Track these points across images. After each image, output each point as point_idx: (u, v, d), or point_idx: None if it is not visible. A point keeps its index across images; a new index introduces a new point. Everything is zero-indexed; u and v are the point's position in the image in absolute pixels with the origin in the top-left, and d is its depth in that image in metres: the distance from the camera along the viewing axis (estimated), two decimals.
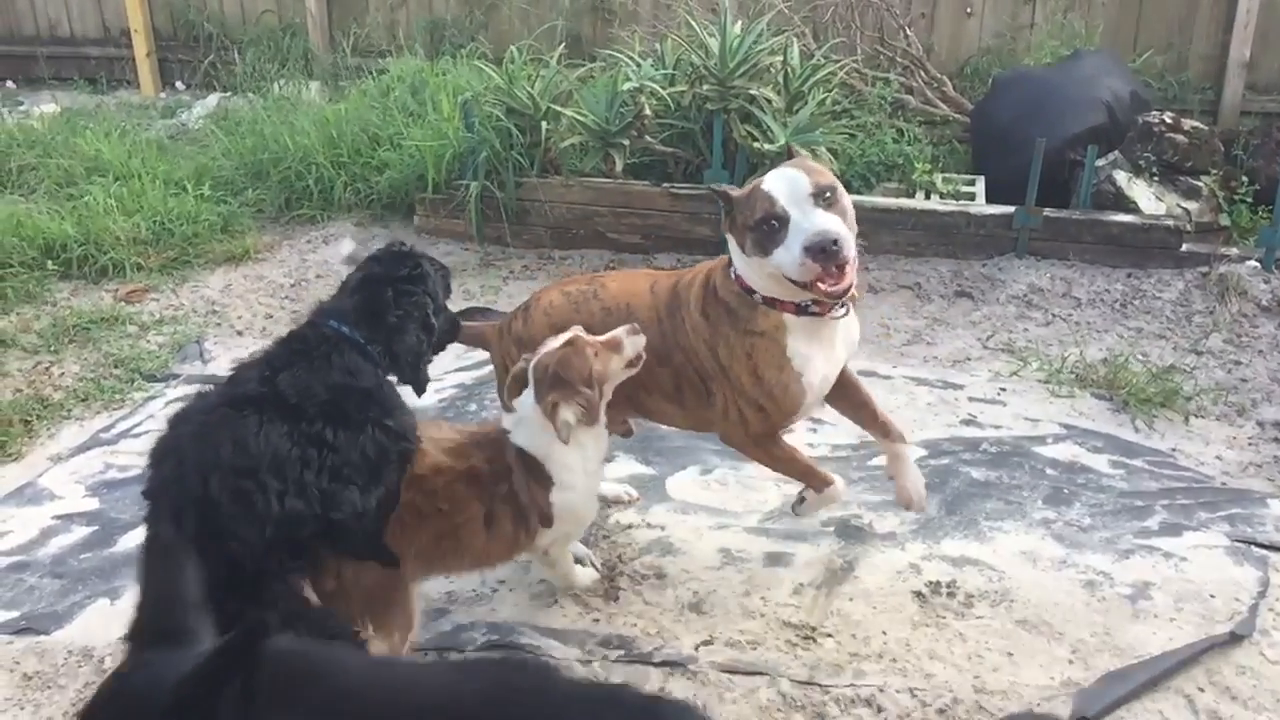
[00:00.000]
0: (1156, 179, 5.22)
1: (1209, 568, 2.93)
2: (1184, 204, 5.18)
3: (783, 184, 2.37)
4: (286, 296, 4.98)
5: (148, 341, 4.51)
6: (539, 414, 2.41)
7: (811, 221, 2.31)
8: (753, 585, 2.86)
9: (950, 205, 5.19)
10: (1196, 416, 3.84)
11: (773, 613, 2.75)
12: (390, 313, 2.37)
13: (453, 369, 4.07)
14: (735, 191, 2.52)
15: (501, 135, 5.25)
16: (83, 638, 2.71)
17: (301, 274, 5.18)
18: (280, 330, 4.54)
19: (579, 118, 5.22)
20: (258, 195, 5.80)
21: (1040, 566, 2.93)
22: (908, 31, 6.57)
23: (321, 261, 5.29)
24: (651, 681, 2.51)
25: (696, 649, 2.62)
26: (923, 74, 6.47)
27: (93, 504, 3.36)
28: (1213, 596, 2.81)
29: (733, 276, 2.53)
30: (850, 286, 2.35)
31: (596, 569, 2.87)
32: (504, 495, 2.41)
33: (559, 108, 5.30)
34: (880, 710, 2.44)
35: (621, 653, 2.61)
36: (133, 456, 3.54)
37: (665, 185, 5.27)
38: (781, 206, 2.34)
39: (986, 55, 6.84)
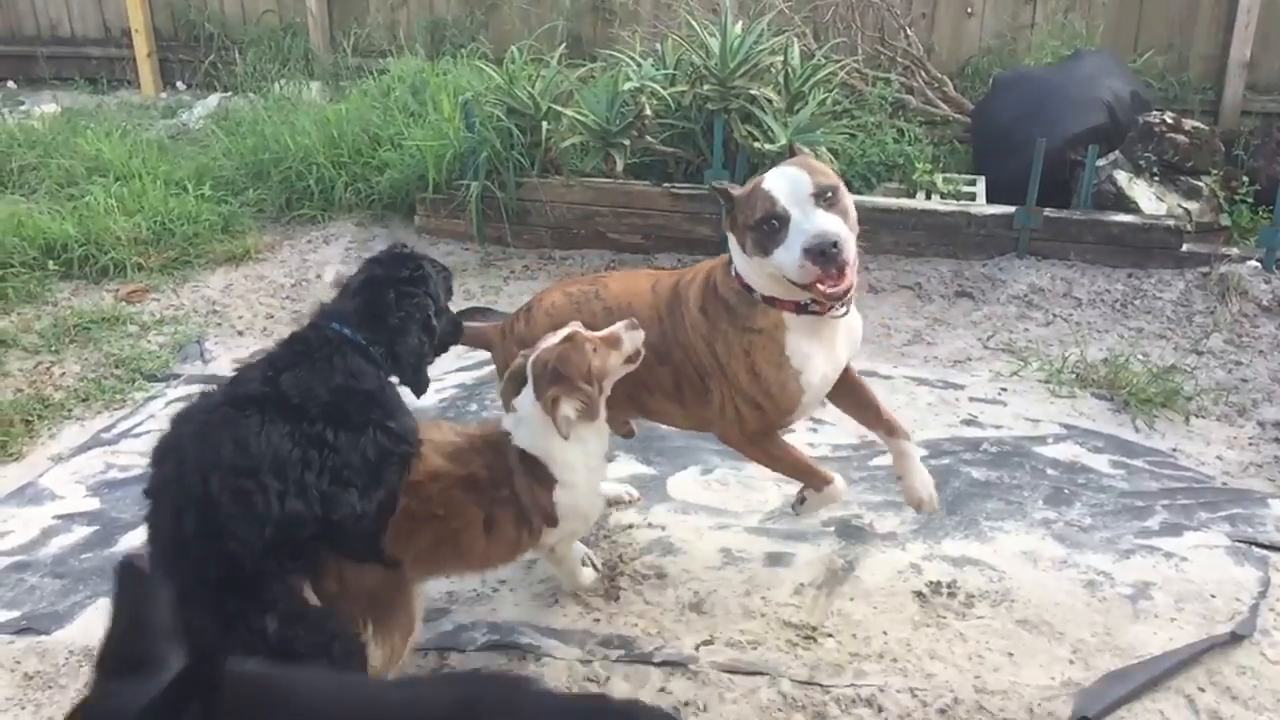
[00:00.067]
0: (1157, 179, 5.22)
1: (1209, 568, 2.93)
2: (1185, 204, 5.18)
3: (783, 183, 2.36)
4: (287, 296, 4.98)
5: (148, 341, 4.51)
6: (539, 411, 2.40)
7: (812, 222, 2.30)
8: (753, 585, 2.86)
9: (951, 205, 5.19)
10: (1197, 416, 3.84)
11: (773, 613, 2.75)
12: (392, 314, 2.37)
13: (453, 369, 4.07)
14: (736, 190, 2.51)
15: (502, 135, 5.25)
16: (83, 638, 2.71)
17: (302, 274, 5.18)
18: (281, 330, 4.55)
19: (580, 118, 5.23)
20: (258, 195, 5.80)
21: (1041, 566, 2.93)
22: (908, 31, 6.57)
23: (322, 262, 5.29)
24: (652, 681, 2.51)
25: (697, 649, 2.62)
26: (923, 74, 6.47)
27: (93, 504, 3.36)
28: (1213, 596, 2.81)
29: (733, 274, 2.53)
30: (850, 288, 2.34)
31: (597, 569, 2.87)
32: (504, 499, 2.40)
33: (560, 108, 5.30)
34: (881, 710, 2.44)
35: (622, 652, 2.61)
36: (133, 456, 3.54)
37: (666, 185, 5.27)
38: (782, 206, 2.33)
39: (987, 55, 6.84)
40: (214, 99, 7.66)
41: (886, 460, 3.40)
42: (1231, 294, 4.61)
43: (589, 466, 2.49)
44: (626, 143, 5.20)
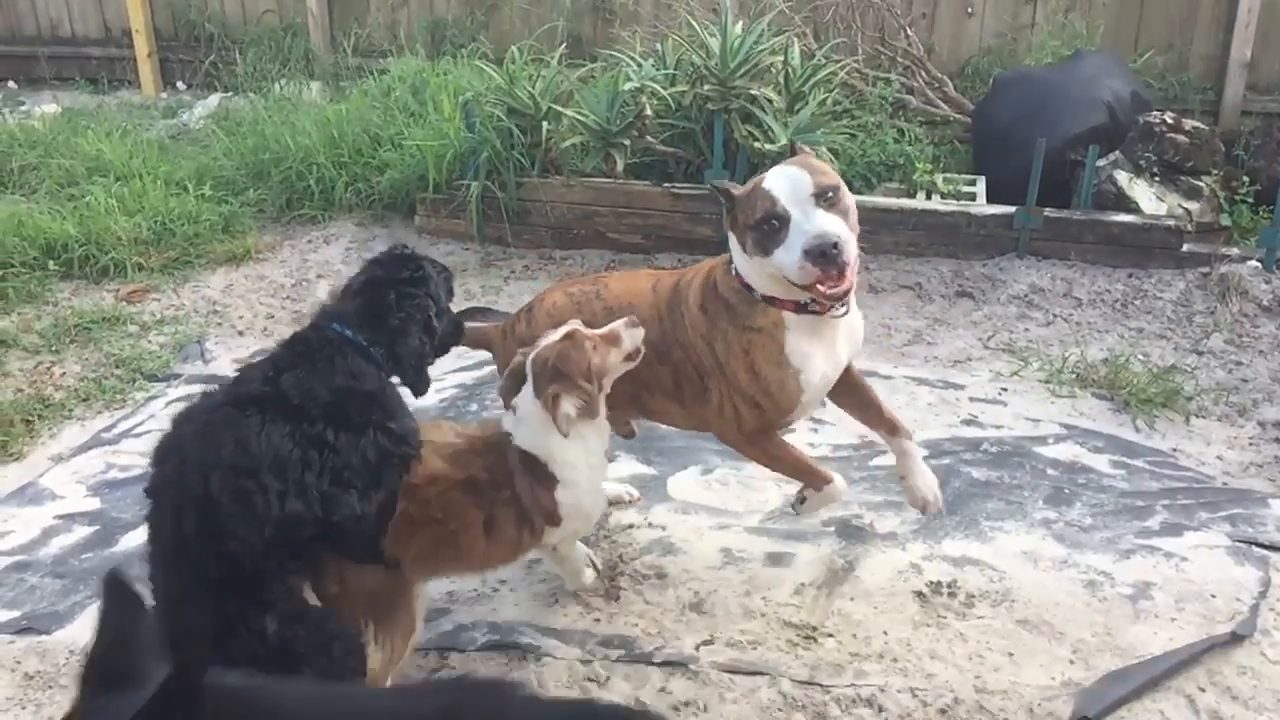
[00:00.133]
0: (1157, 179, 5.22)
1: (1210, 568, 2.93)
2: (1185, 204, 5.18)
3: (784, 183, 2.35)
4: (288, 296, 4.98)
5: (149, 341, 4.51)
6: (539, 410, 2.39)
7: (812, 223, 2.29)
8: (754, 585, 2.86)
9: (951, 205, 5.19)
10: (1197, 416, 3.84)
11: (774, 612, 2.75)
12: (392, 315, 2.37)
13: (453, 369, 4.07)
14: (737, 189, 2.50)
15: (502, 135, 5.26)
16: (84, 637, 2.71)
17: (303, 274, 5.18)
18: (282, 330, 4.56)
19: (580, 118, 5.23)
20: (259, 195, 5.80)
21: (1041, 566, 2.93)
22: (908, 31, 6.57)
23: (323, 261, 5.29)
24: (652, 681, 2.51)
25: (697, 649, 2.62)
26: (923, 74, 6.47)
27: (94, 504, 3.36)
28: (1214, 596, 2.81)
29: (733, 273, 2.52)
30: (850, 289, 2.34)
31: (597, 569, 2.87)
32: (505, 500, 2.39)
33: (560, 108, 5.30)
34: (881, 710, 2.44)
35: (622, 652, 2.61)
36: (134, 456, 3.54)
37: (666, 185, 5.27)
38: (782, 206, 2.32)
39: (987, 55, 6.84)
40: (214, 99, 7.67)
41: (887, 460, 3.40)
42: (1232, 294, 4.61)
43: (590, 464, 2.48)
44: (627, 143, 5.20)
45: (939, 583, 2.85)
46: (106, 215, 5.30)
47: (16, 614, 2.83)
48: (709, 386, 2.58)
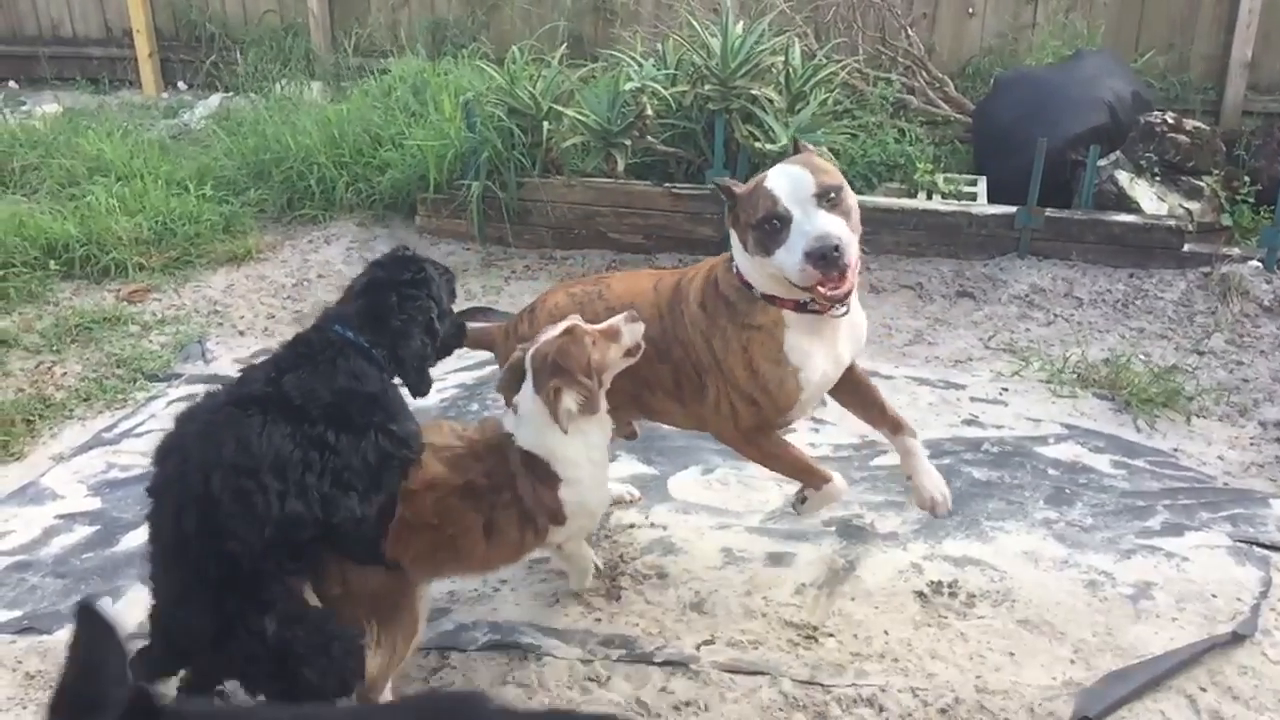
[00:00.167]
0: (1158, 179, 5.22)
1: (1211, 568, 2.93)
2: (1186, 204, 5.18)
3: (785, 182, 2.33)
4: (289, 296, 4.99)
5: (150, 341, 4.52)
6: (539, 406, 2.39)
7: (814, 224, 2.27)
8: (754, 585, 2.86)
9: (952, 205, 5.19)
10: (1198, 417, 3.84)
11: (774, 612, 2.75)
12: (394, 317, 2.37)
13: (454, 369, 4.07)
14: (739, 187, 2.48)
15: (503, 135, 5.26)
16: None
17: (303, 274, 5.18)
18: (283, 330, 4.56)
19: (581, 118, 5.23)
20: (260, 195, 5.80)
21: (1042, 566, 2.93)
22: (909, 31, 6.57)
23: (323, 261, 5.29)
24: (653, 681, 2.51)
25: (698, 648, 2.62)
26: (924, 74, 6.47)
27: (95, 503, 3.37)
28: (1214, 596, 2.81)
29: (734, 271, 2.52)
30: (851, 290, 2.33)
31: (598, 569, 2.87)
32: (506, 503, 2.38)
33: (561, 108, 5.30)
34: (882, 710, 2.44)
35: (623, 652, 2.61)
36: (135, 456, 3.54)
37: (667, 185, 5.27)
38: (784, 206, 2.31)
39: (988, 55, 6.84)
40: (215, 99, 7.67)
41: (887, 460, 3.41)
42: (1233, 294, 4.60)
43: (592, 460, 2.46)
44: (627, 143, 5.20)
45: (940, 583, 2.85)
46: (107, 215, 5.30)
47: (18, 614, 2.83)
48: (707, 384, 2.58)
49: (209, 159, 6.12)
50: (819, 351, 2.50)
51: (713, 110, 5.11)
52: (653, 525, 3.12)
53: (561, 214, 5.37)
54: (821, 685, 2.50)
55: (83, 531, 3.21)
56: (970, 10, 6.86)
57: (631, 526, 3.11)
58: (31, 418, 3.88)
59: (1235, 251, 4.94)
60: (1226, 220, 5.28)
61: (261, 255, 5.34)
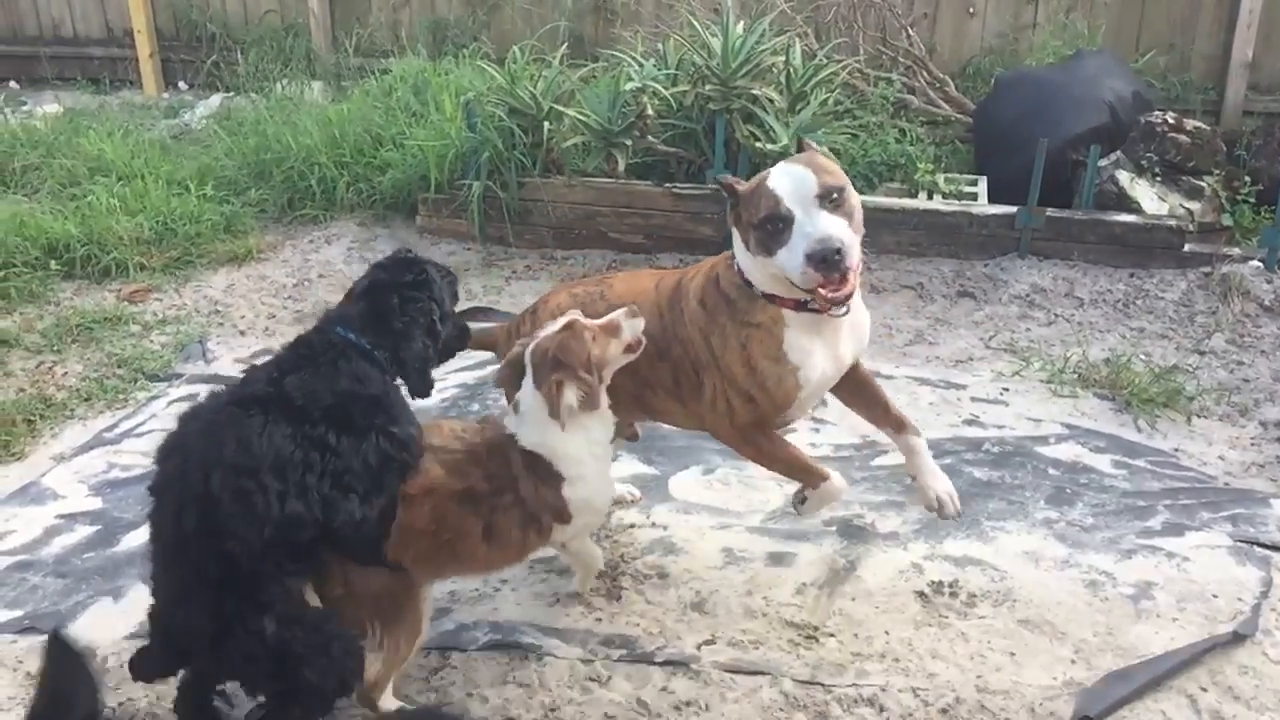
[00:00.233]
0: (1159, 179, 5.22)
1: (1211, 568, 2.93)
2: (1186, 204, 5.18)
3: (788, 182, 2.31)
4: (289, 296, 4.99)
5: (150, 341, 4.52)
6: (539, 400, 2.38)
7: (816, 226, 2.26)
8: (755, 585, 2.86)
9: (953, 205, 5.19)
10: (1199, 416, 3.84)
11: (775, 612, 2.75)
12: (396, 319, 2.36)
13: (455, 369, 4.07)
14: (741, 185, 2.46)
15: (504, 135, 5.26)
16: (86, 637, 2.70)
17: (304, 274, 5.18)
18: (283, 330, 4.57)
19: (581, 118, 5.23)
20: (260, 195, 5.81)
21: (1043, 566, 2.93)
22: (910, 31, 6.57)
23: (324, 261, 5.30)
24: (654, 681, 2.51)
25: (699, 648, 2.62)
26: (925, 74, 6.47)
27: (96, 503, 3.37)
28: (1215, 596, 2.81)
29: (735, 268, 2.51)
30: (852, 293, 2.31)
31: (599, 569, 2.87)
32: (507, 505, 2.36)
33: (561, 108, 5.30)
34: (883, 710, 2.44)
35: (624, 652, 2.61)
36: (136, 456, 3.54)
37: (667, 185, 5.27)
38: (786, 207, 2.29)
39: (989, 55, 6.84)
40: (216, 99, 7.68)
41: (888, 460, 3.41)
42: (1233, 294, 4.61)
43: (595, 455, 2.44)
44: (628, 143, 5.21)
45: (941, 582, 2.85)
46: (108, 215, 5.30)
47: (18, 613, 2.83)
48: (703, 381, 2.57)
49: (210, 159, 6.13)
50: (819, 350, 2.49)
51: (713, 110, 5.11)
52: (653, 525, 3.12)
53: (562, 214, 5.37)
54: (822, 685, 2.50)
55: (84, 531, 3.21)
56: (971, 10, 6.87)
57: (632, 526, 3.11)
58: (32, 417, 3.88)
59: (1236, 251, 4.94)
60: (1227, 220, 5.28)
61: (262, 255, 5.35)
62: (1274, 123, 6.04)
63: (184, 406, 2.32)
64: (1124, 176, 5.22)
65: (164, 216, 5.38)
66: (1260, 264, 4.78)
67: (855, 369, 2.68)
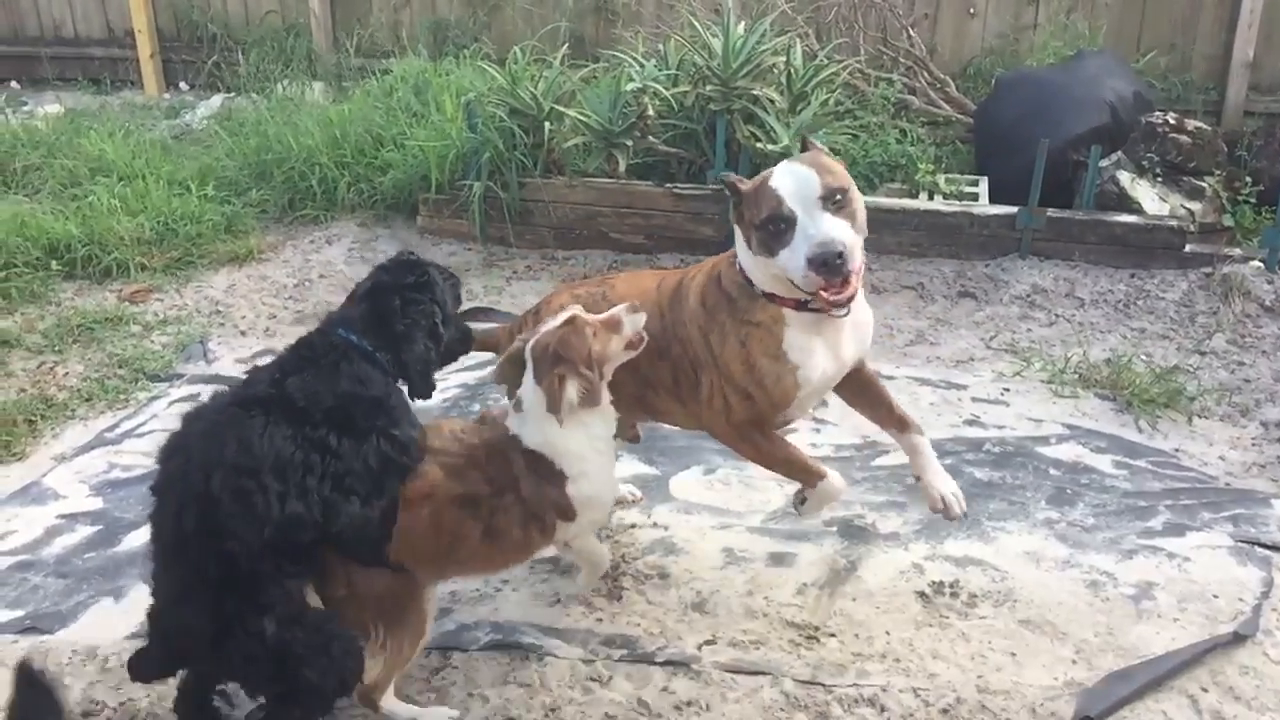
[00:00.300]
0: (1160, 179, 5.22)
1: (1212, 568, 2.93)
2: (1187, 204, 5.18)
3: (791, 182, 2.30)
4: (290, 297, 4.99)
5: (151, 341, 4.52)
6: (539, 396, 2.37)
7: (818, 228, 2.24)
8: (756, 585, 2.86)
9: (953, 206, 5.19)
10: (1200, 417, 3.84)
11: (776, 612, 2.75)
12: (398, 321, 2.36)
13: (456, 369, 4.07)
14: (744, 183, 2.44)
15: (505, 136, 5.26)
16: (86, 637, 2.71)
17: (305, 274, 5.18)
18: (284, 330, 4.57)
19: (582, 118, 5.23)
20: (261, 195, 5.81)
21: (1044, 567, 2.93)
22: (910, 32, 6.57)
23: (325, 262, 5.30)
24: (654, 681, 2.51)
25: (699, 648, 2.62)
26: (926, 74, 6.47)
27: (97, 503, 3.37)
28: (1216, 597, 2.81)
29: (737, 267, 2.50)
30: (853, 295, 2.30)
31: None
32: (508, 506, 2.35)
33: (562, 108, 5.30)
34: (883, 710, 2.44)
35: (624, 652, 2.61)
36: (137, 456, 3.55)
37: (668, 186, 5.27)
38: (788, 208, 2.28)
39: (989, 56, 6.84)
40: (217, 99, 7.68)
41: (889, 460, 3.41)
42: (1234, 294, 4.60)
43: (598, 451, 2.43)
44: (629, 143, 5.21)
45: (941, 583, 2.85)
46: (109, 215, 5.31)
47: (19, 614, 2.83)
48: (701, 379, 2.56)
49: (211, 159, 6.13)
50: (820, 350, 2.47)
51: (714, 111, 5.11)
52: (654, 525, 3.12)
53: (563, 214, 5.37)
54: (823, 685, 2.50)
55: (84, 531, 3.21)
56: (971, 11, 6.87)
57: (633, 526, 3.11)
58: (33, 418, 3.88)
59: (1237, 252, 4.94)
60: (1228, 221, 5.28)
61: (263, 255, 5.35)
62: (1275, 123, 6.04)
63: (185, 407, 2.33)
64: (1125, 177, 5.22)
65: (165, 217, 5.38)
66: (1261, 264, 4.78)
67: (859, 369, 2.67)
